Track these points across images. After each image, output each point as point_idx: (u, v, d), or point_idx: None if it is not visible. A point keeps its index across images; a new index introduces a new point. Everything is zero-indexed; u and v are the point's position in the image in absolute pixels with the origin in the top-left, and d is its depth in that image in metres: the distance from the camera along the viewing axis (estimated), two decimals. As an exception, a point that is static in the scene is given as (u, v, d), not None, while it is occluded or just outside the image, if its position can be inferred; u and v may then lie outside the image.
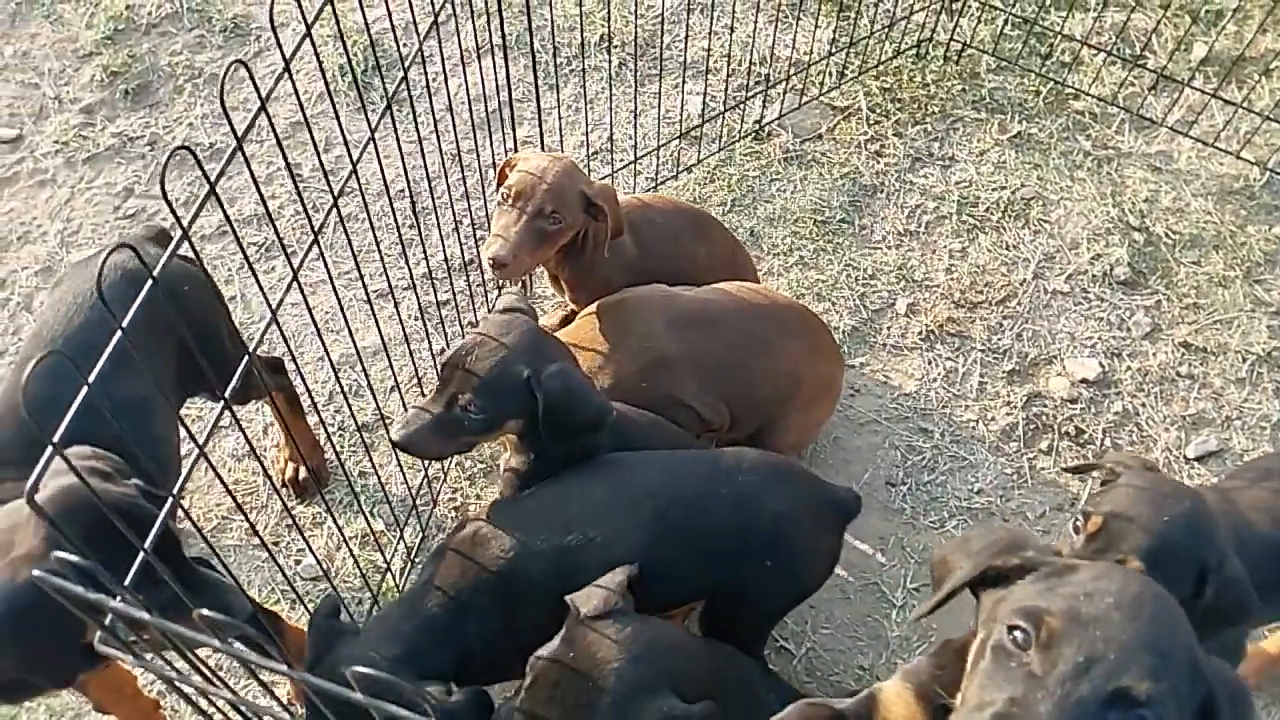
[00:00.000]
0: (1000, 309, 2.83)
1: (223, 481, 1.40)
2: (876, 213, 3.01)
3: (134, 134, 3.07)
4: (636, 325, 2.21)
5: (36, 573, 0.86)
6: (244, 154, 1.23)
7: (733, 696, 1.75)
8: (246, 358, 1.41)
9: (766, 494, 1.91)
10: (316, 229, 1.49)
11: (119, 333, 1.10)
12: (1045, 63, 3.31)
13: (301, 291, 1.55)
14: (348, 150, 1.59)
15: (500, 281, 2.74)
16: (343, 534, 2.11)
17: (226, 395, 1.35)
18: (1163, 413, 2.65)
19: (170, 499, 1.25)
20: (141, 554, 1.07)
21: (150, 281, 1.08)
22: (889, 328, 2.80)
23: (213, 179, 1.11)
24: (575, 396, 1.88)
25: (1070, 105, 3.24)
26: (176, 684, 1.04)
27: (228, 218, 1.28)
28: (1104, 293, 2.86)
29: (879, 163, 3.11)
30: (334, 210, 1.57)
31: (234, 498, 1.45)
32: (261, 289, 1.44)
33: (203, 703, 1.12)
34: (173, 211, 1.08)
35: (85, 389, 0.96)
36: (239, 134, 1.20)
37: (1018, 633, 1.10)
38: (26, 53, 3.26)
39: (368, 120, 1.67)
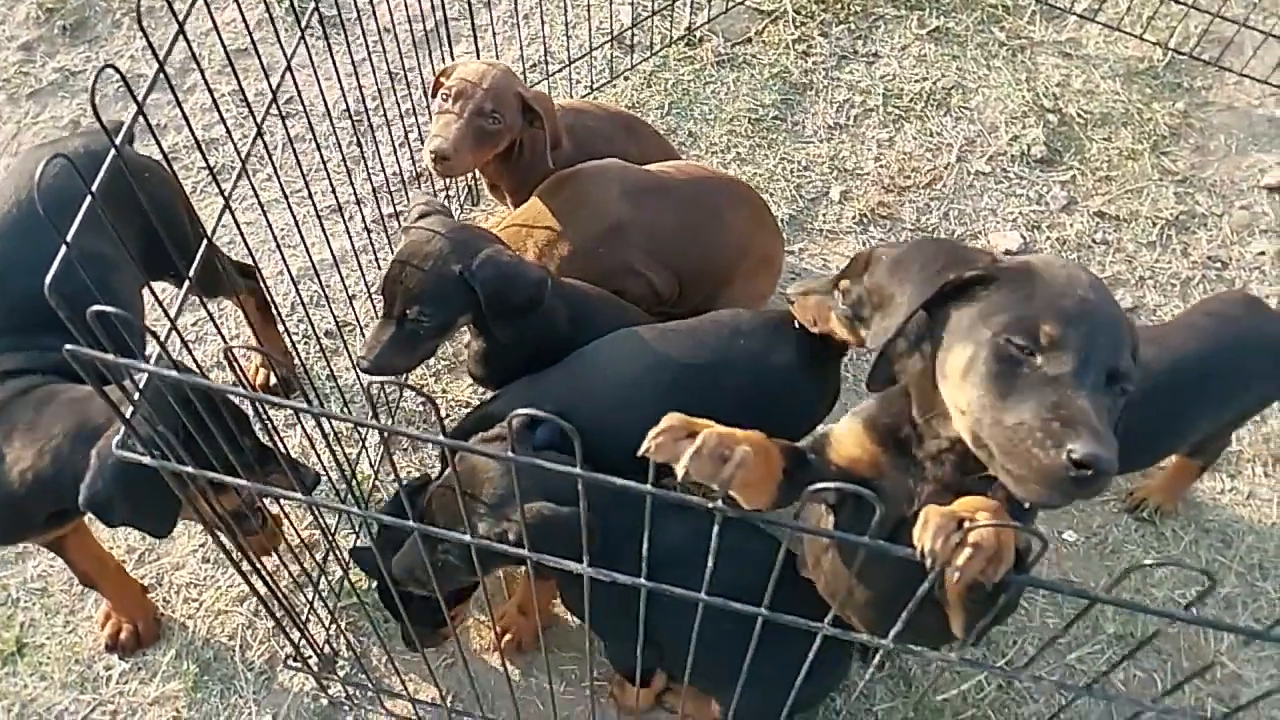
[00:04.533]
0: (927, 191, 2.99)
1: (198, 366, 1.50)
2: (807, 109, 3.15)
3: (75, 69, 3.09)
4: (592, 194, 2.28)
5: (69, 347, 0.95)
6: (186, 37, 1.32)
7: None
8: (205, 242, 1.48)
9: (772, 350, 1.98)
10: (259, 123, 1.54)
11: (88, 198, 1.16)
12: (959, -40, 3.45)
13: (251, 184, 1.62)
14: (289, 68, 1.64)
15: (446, 184, 2.83)
16: (332, 423, 2.20)
17: (190, 276, 1.42)
18: (1081, 276, 2.84)
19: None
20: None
21: (137, 117, 1.17)
22: (824, 214, 2.94)
23: (181, 21, 1.20)
24: (508, 277, 1.95)
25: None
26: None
27: (201, 74, 1.37)
28: (1022, 171, 3.04)
29: (807, 62, 3.24)
30: (273, 105, 1.61)
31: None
32: (216, 180, 1.52)
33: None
34: (155, 54, 1.17)
35: (90, 198, 1.05)
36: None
37: (1017, 342, 1.18)
38: (-44, -5, 3.25)
39: (303, 38, 1.72)
